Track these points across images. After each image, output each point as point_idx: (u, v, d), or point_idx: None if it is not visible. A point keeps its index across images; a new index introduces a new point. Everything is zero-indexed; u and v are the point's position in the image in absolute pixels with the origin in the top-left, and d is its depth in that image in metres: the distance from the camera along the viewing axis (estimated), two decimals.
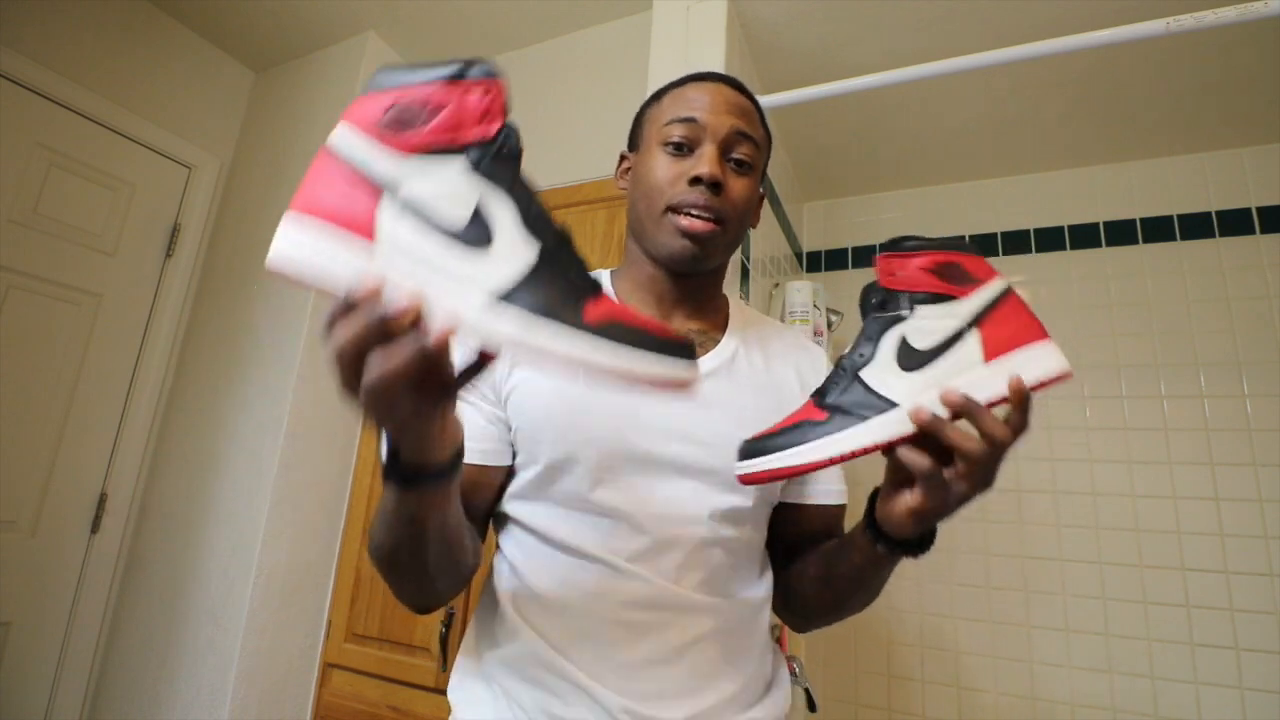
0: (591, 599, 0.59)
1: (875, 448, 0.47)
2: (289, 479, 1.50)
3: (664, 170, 0.65)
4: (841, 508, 0.71)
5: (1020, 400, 0.44)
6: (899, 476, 0.50)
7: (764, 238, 1.71)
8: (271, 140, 1.86)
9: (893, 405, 0.46)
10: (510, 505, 0.65)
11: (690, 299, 0.70)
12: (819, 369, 0.73)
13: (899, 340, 0.48)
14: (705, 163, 0.63)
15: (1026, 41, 1.11)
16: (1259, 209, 1.79)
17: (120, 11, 1.67)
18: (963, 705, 1.80)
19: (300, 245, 0.34)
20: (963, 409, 0.45)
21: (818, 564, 0.64)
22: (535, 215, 0.37)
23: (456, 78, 0.36)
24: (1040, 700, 1.73)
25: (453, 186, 0.36)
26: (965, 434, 0.45)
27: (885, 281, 0.49)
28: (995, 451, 0.45)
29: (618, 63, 1.64)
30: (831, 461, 0.47)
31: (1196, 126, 1.78)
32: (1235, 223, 1.81)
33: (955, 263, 0.48)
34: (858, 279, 2.24)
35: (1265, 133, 1.78)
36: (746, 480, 0.50)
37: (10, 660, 1.45)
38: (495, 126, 0.37)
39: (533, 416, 0.62)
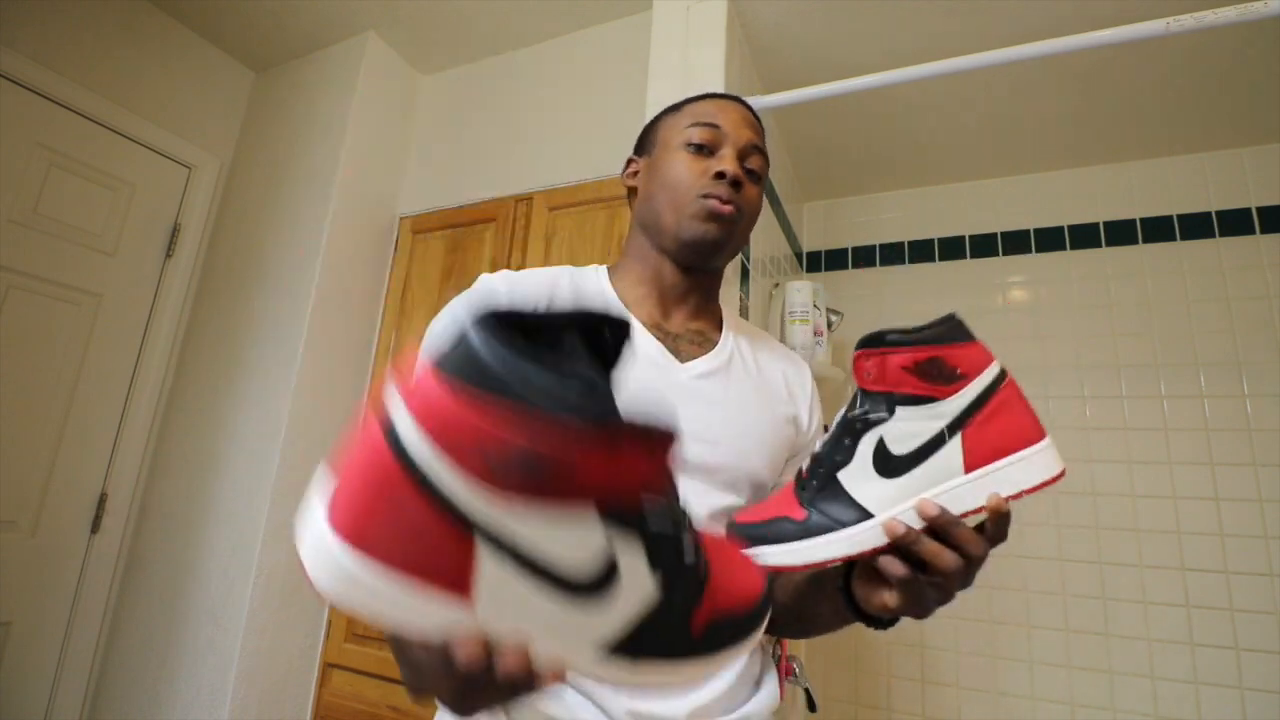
0: None
1: (848, 559, 0.45)
2: (289, 479, 1.50)
3: (689, 167, 0.69)
4: None
5: (996, 518, 0.44)
6: (870, 574, 0.51)
7: (764, 238, 1.71)
8: (271, 140, 1.86)
9: (868, 515, 0.44)
10: None
11: (692, 298, 0.73)
12: (804, 383, 0.77)
13: (876, 443, 0.45)
14: (728, 161, 0.68)
15: (1026, 41, 1.11)
16: (1259, 209, 1.79)
17: (120, 11, 1.67)
18: (963, 705, 1.80)
19: (365, 590, 0.26)
20: (936, 523, 0.44)
21: (789, 595, 0.64)
22: (663, 544, 0.30)
23: (605, 424, 0.26)
24: (1040, 700, 1.73)
25: (578, 538, 0.27)
26: (938, 548, 0.44)
27: (861, 382, 0.46)
28: (970, 565, 0.45)
29: (618, 63, 1.64)
30: (806, 568, 0.46)
31: (1196, 126, 1.78)
32: (1235, 223, 1.81)
33: (937, 358, 0.44)
34: (858, 279, 2.24)
35: (1265, 133, 1.78)
36: (769, 569, 0.49)
37: (10, 660, 1.45)
38: (661, 489, 0.29)
39: None
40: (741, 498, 0.64)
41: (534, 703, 0.58)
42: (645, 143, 0.78)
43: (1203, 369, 1.75)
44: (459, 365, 0.24)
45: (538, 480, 0.25)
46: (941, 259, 2.14)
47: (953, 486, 0.43)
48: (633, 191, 0.77)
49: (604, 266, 0.77)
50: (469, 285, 0.70)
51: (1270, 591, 1.59)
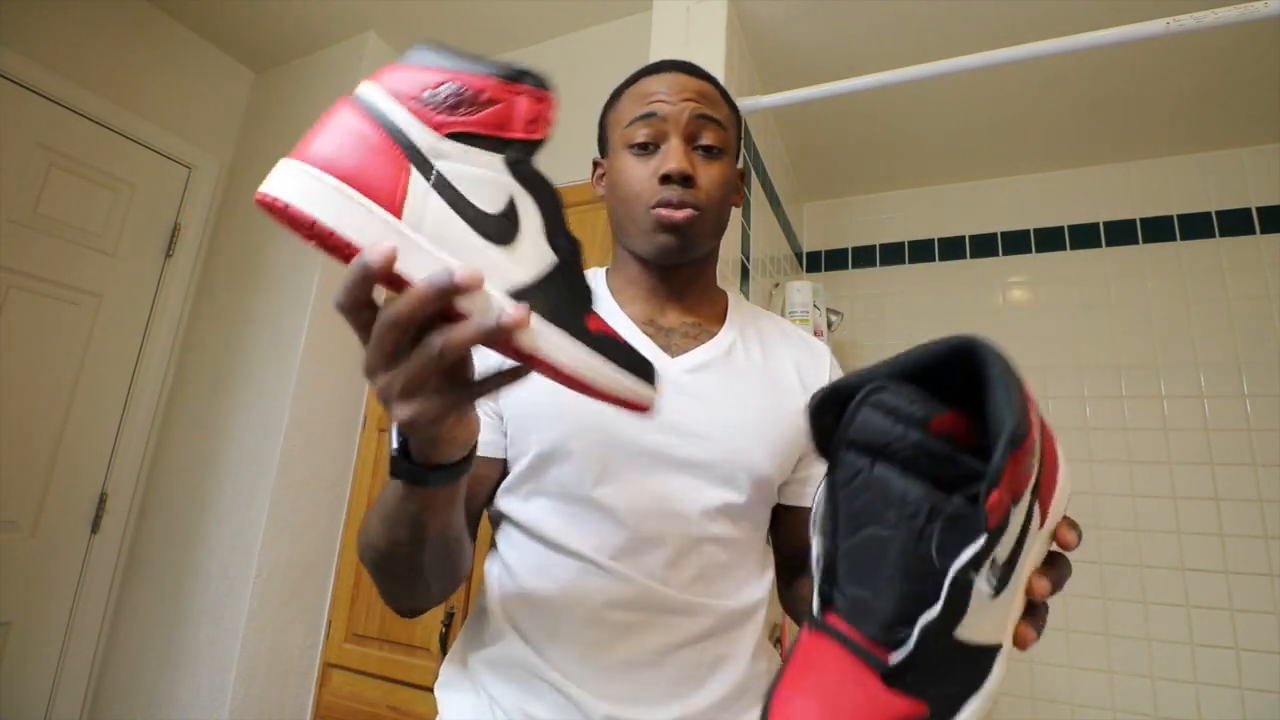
0: (573, 598, 0.57)
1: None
2: (289, 479, 1.50)
3: (634, 172, 0.65)
4: None
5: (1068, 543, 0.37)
6: None
7: (764, 238, 1.71)
8: (271, 140, 1.86)
9: (996, 651, 0.31)
10: (503, 501, 0.64)
11: (682, 293, 0.70)
12: (821, 367, 0.70)
13: (987, 567, 0.30)
14: (672, 158, 0.63)
15: (1026, 41, 1.11)
16: (1259, 209, 1.79)
17: (120, 11, 1.67)
18: None
19: (315, 199, 0.31)
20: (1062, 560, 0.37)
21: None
22: (557, 226, 0.37)
23: (513, 78, 0.36)
24: (1040, 700, 1.73)
25: (489, 177, 0.35)
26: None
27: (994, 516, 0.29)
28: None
29: (618, 63, 1.63)
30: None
31: (1196, 126, 1.78)
32: (1235, 223, 1.81)
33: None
34: (858, 279, 2.25)
35: (1265, 133, 1.78)
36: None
37: (10, 660, 1.45)
38: (539, 134, 0.37)
39: (523, 407, 0.61)
40: (741, 494, 0.61)
41: (520, 702, 0.57)
42: (601, 141, 0.74)
43: (1203, 369, 1.75)
44: (414, 56, 0.36)
45: (455, 110, 0.34)
46: (941, 259, 2.14)
47: (1038, 547, 0.35)
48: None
49: (603, 269, 0.75)
50: None
51: (1270, 591, 1.59)
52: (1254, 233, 1.78)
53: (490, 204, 0.35)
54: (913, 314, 2.13)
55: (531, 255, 0.36)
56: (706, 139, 0.65)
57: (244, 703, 1.38)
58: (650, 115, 0.65)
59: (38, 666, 1.50)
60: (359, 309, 0.33)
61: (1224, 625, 1.61)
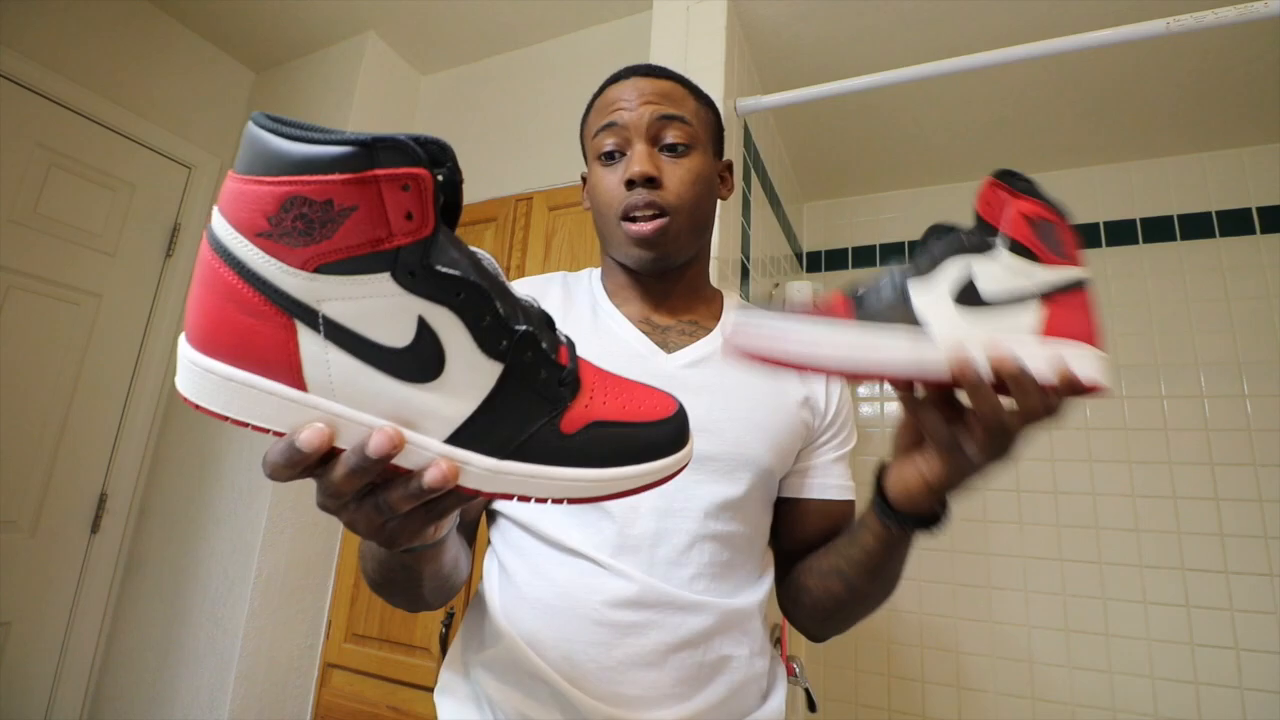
0: (573, 597, 0.57)
1: (893, 375, 0.41)
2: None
3: (605, 182, 0.66)
4: (849, 504, 0.68)
5: (1066, 389, 0.40)
6: (908, 441, 0.48)
7: (764, 238, 1.71)
8: None
9: (923, 331, 0.41)
10: (497, 500, 0.64)
11: (673, 295, 0.70)
12: None
13: (965, 272, 0.42)
14: (635, 162, 0.63)
15: (1026, 41, 1.11)
16: (1259, 209, 1.79)
17: (120, 11, 1.67)
18: (963, 705, 1.80)
19: (216, 396, 0.28)
20: (1011, 378, 0.39)
21: (828, 555, 0.61)
22: (491, 327, 0.30)
23: (363, 167, 0.26)
24: (1040, 700, 1.73)
25: (384, 305, 0.28)
26: (994, 402, 0.40)
27: (983, 209, 0.44)
28: (1020, 429, 0.41)
29: (618, 63, 1.63)
30: (839, 372, 0.40)
31: (1196, 126, 1.78)
32: (1235, 223, 1.81)
33: (1054, 224, 0.43)
34: (858, 279, 2.25)
35: (1265, 133, 1.78)
36: (730, 341, 0.43)
37: (10, 660, 1.45)
38: (428, 228, 0.28)
39: None
40: (741, 487, 0.61)
41: (519, 707, 0.57)
42: (583, 153, 0.74)
43: (1203, 369, 1.75)
44: (243, 160, 0.27)
45: (314, 236, 0.26)
46: None
47: (1023, 344, 0.40)
48: None
49: (597, 270, 0.75)
50: None
51: (1270, 591, 1.59)
52: (1254, 233, 1.78)
53: (397, 337, 0.28)
54: None
55: (467, 379, 0.30)
56: (670, 138, 0.65)
57: (244, 703, 1.38)
58: (612, 125, 0.65)
59: (38, 666, 1.50)
60: (294, 478, 0.31)
61: (1224, 625, 1.61)
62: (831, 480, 0.67)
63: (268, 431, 0.29)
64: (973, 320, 0.41)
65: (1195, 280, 1.82)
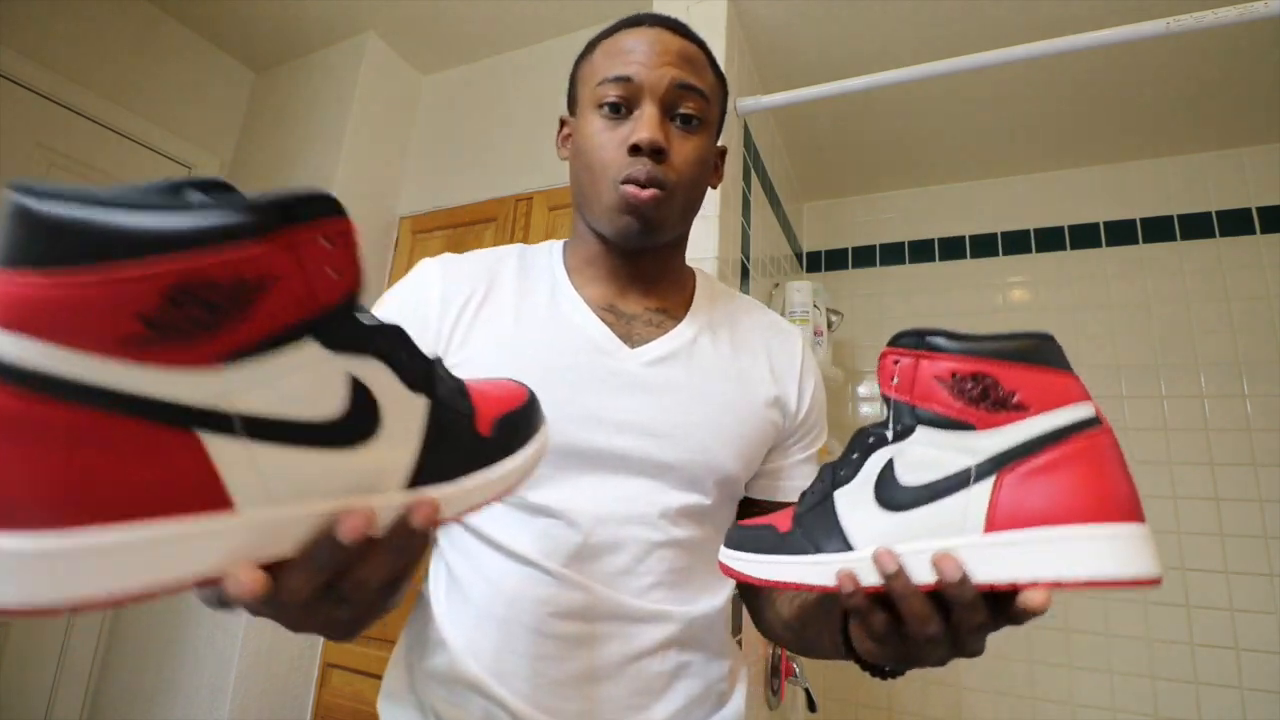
0: (520, 608, 0.53)
1: (801, 587, 0.39)
2: None
3: (601, 138, 0.57)
4: None
5: (1022, 610, 0.33)
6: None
7: (764, 238, 1.71)
8: (271, 140, 1.86)
9: (847, 548, 0.37)
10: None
11: (644, 277, 0.63)
12: (793, 354, 0.66)
13: (884, 465, 0.36)
14: (644, 127, 0.56)
15: (1026, 41, 1.11)
16: (1259, 209, 1.79)
17: (120, 11, 1.67)
18: (963, 705, 1.80)
19: (136, 567, 0.21)
20: (892, 585, 0.34)
21: (790, 608, 0.57)
22: (406, 361, 0.29)
23: (277, 225, 0.21)
24: (1040, 700, 1.73)
25: (311, 379, 0.24)
26: (925, 616, 0.35)
27: (884, 386, 0.36)
28: (954, 639, 0.36)
29: None
30: (761, 583, 0.41)
31: (1196, 126, 1.78)
32: (1235, 223, 1.81)
33: (986, 375, 0.33)
34: (858, 279, 2.25)
35: (1265, 133, 1.78)
36: (724, 571, 0.45)
37: (10, 660, 1.45)
38: (351, 278, 0.25)
39: None
40: (706, 496, 0.57)
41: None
42: (570, 97, 0.65)
43: (1203, 369, 1.75)
44: (58, 249, 0.18)
45: (211, 317, 0.20)
46: (941, 259, 2.14)
47: (962, 545, 0.33)
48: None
49: (559, 243, 0.68)
50: None
51: (1270, 591, 1.59)
52: (1254, 233, 1.78)
53: (332, 407, 0.25)
54: (913, 314, 2.13)
55: (405, 422, 0.29)
56: (685, 109, 0.58)
57: (244, 703, 1.38)
58: (625, 78, 0.57)
59: (38, 666, 1.50)
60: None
61: (1224, 625, 1.61)
62: (799, 482, 0.64)
63: (190, 586, 0.22)
64: (900, 524, 0.35)
65: (1195, 280, 1.82)
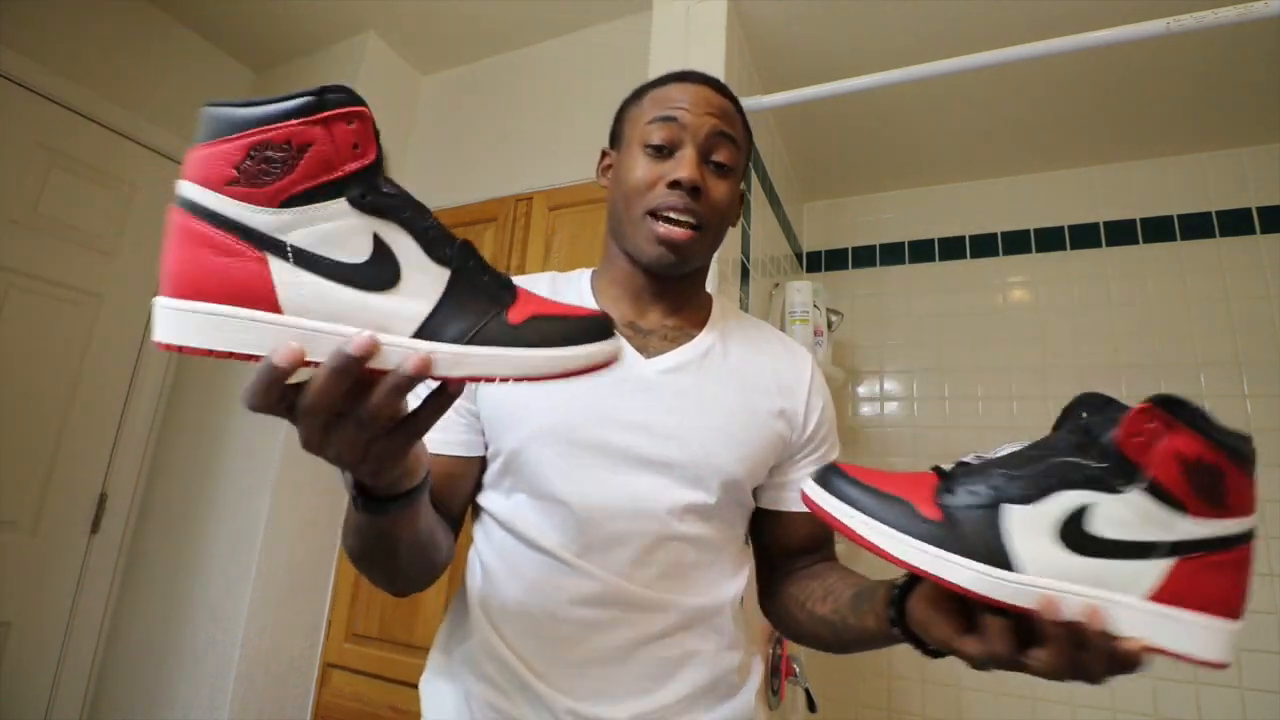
0: (541, 594, 0.59)
1: (974, 595, 0.38)
2: (289, 478, 1.50)
3: (643, 172, 0.64)
4: None
5: (1129, 660, 0.36)
6: (953, 610, 0.44)
7: (764, 238, 1.71)
8: None
9: (1012, 570, 0.37)
10: (482, 496, 0.66)
11: (668, 297, 0.70)
12: (802, 373, 0.71)
13: (1076, 509, 0.37)
14: (685, 166, 0.63)
15: (1026, 41, 1.11)
16: (1259, 209, 1.79)
17: (120, 11, 1.67)
18: (963, 705, 1.80)
19: (201, 332, 0.31)
20: (1089, 639, 0.36)
21: (825, 601, 0.61)
22: (435, 238, 0.36)
23: (311, 109, 0.32)
24: (1040, 700, 1.73)
25: (344, 227, 0.33)
26: (1067, 656, 0.37)
27: (1124, 440, 0.36)
28: (1080, 670, 0.38)
29: (618, 63, 1.64)
30: (908, 566, 0.39)
31: (1196, 126, 1.78)
32: (1235, 223, 1.81)
33: (1221, 472, 0.35)
34: (858, 279, 2.24)
35: (1265, 133, 1.78)
36: (805, 500, 0.44)
37: (10, 660, 1.45)
38: (370, 155, 0.34)
39: (499, 406, 0.63)
40: (710, 496, 0.61)
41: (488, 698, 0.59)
42: (614, 133, 0.73)
43: (1203, 369, 1.75)
44: (201, 133, 0.32)
45: (276, 175, 0.31)
46: (941, 259, 2.14)
47: (1121, 602, 0.36)
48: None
49: (589, 270, 0.75)
50: None
51: (1270, 592, 1.59)
52: (1254, 233, 1.78)
53: (357, 253, 0.33)
54: (913, 314, 2.13)
55: (422, 283, 0.35)
56: (720, 156, 0.66)
57: (244, 703, 1.38)
58: (670, 119, 0.65)
59: (38, 666, 1.50)
60: (272, 406, 0.34)
61: None
62: None
63: (252, 358, 0.32)
64: (1076, 564, 0.37)
65: (1195, 280, 1.82)
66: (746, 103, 1.36)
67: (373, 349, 0.32)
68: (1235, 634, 0.37)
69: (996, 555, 0.37)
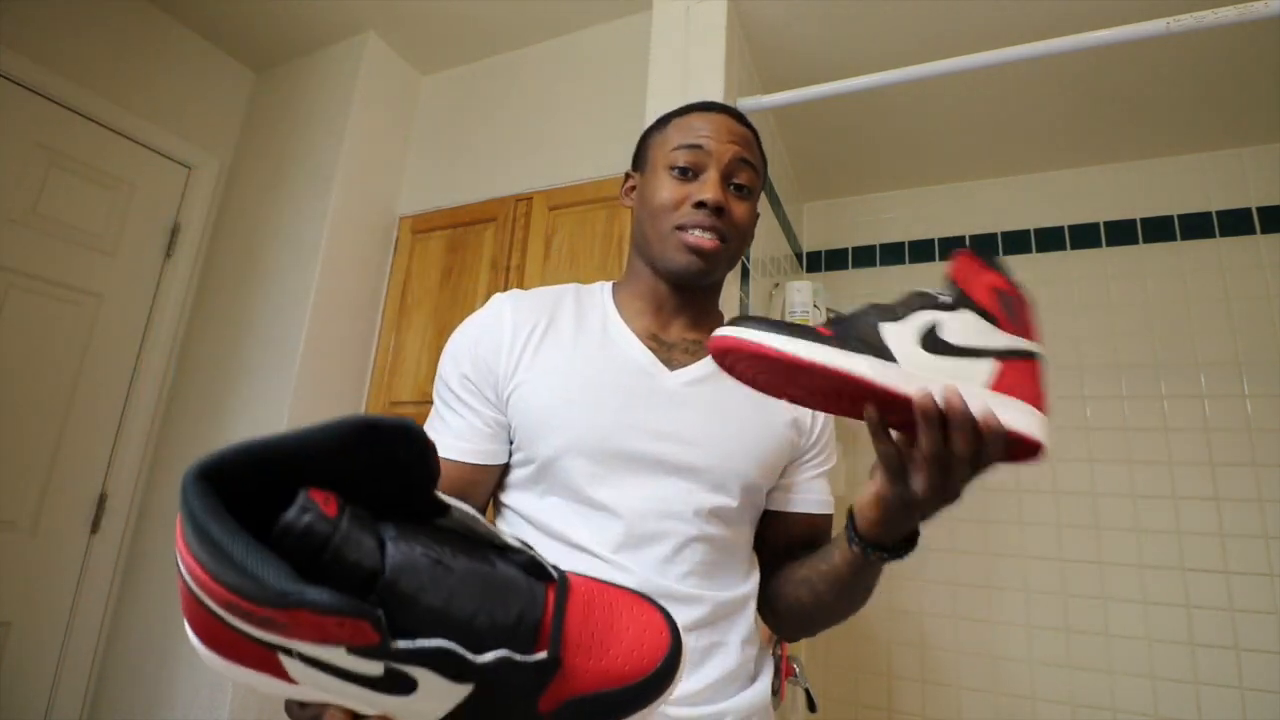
0: None
1: (861, 381, 0.45)
2: None
3: (670, 192, 0.70)
4: (827, 518, 0.74)
5: (996, 437, 0.44)
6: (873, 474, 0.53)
7: (764, 238, 1.71)
8: (271, 140, 1.86)
9: (894, 361, 0.47)
10: (508, 495, 0.69)
11: (688, 310, 0.75)
12: None
13: (930, 323, 0.49)
14: (710, 188, 0.68)
15: (1026, 41, 1.11)
16: (1259, 209, 1.79)
17: (120, 11, 1.67)
18: (963, 705, 1.80)
19: (223, 667, 0.30)
20: (955, 414, 0.44)
21: (801, 567, 0.67)
22: (459, 668, 0.30)
23: (274, 604, 0.26)
24: (1040, 700, 1.73)
25: (350, 661, 0.29)
26: (939, 435, 0.45)
27: (955, 274, 0.51)
28: (951, 463, 0.45)
29: (618, 63, 1.64)
30: (813, 366, 0.45)
31: (1196, 126, 1.78)
32: (1235, 223, 1.81)
33: (1016, 299, 0.49)
34: (858, 279, 2.24)
35: (1265, 133, 1.78)
36: (715, 343, 0.47)
37: (10, 660, 1.45)
38: (374, 639, 0.28)
39: (532, 415, 0.66)
40: (732, 499, 0.66)
41: None
42: (638, 158, 0.79)
43: (1203, 369, 1.75)
44: (185, 521, 0.27)
45: (271, 628, 0.26)
46: (942, 259, 2.14)
47: (972, 393, 0.46)
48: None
49: (610, 283, 0.78)
50: (469, 285, 0.71)
51: (1270, 591, 1.59)
52: (1254, 233, 1.78)
53: (369, 672, 0.29)
54: None
55: (438, 695, 0.30)
56: (741, 179, 0.72)
57: (244, 703, 1.38)
58: (696, 146, 0.71)
59: (38, 666, 1.50)
60: None
61: (1224, 625, 1.61)
62: (813, 495, 0.73)
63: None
64: (933, 362, 0.47)
65: (1195, 280, 1.82)
66: (745, 103, 1.37)
67: None
68: (1046, 423, 0.46)
69: (883, 352, 0.47)
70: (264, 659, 0.29)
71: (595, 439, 0.64)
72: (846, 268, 2.27)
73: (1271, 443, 1.66)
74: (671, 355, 0.72)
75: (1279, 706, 1.53)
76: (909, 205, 2.22)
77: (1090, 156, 1.96)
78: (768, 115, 1.81)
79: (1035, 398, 0.47)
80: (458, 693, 0.30)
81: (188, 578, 0.27)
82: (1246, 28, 1.05)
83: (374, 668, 0.28)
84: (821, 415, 0.75)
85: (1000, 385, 0.46)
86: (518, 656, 0.30)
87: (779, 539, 0.73)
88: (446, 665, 0.29)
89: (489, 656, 0.29)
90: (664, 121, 0.77)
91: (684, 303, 0.74)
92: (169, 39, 1.78)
